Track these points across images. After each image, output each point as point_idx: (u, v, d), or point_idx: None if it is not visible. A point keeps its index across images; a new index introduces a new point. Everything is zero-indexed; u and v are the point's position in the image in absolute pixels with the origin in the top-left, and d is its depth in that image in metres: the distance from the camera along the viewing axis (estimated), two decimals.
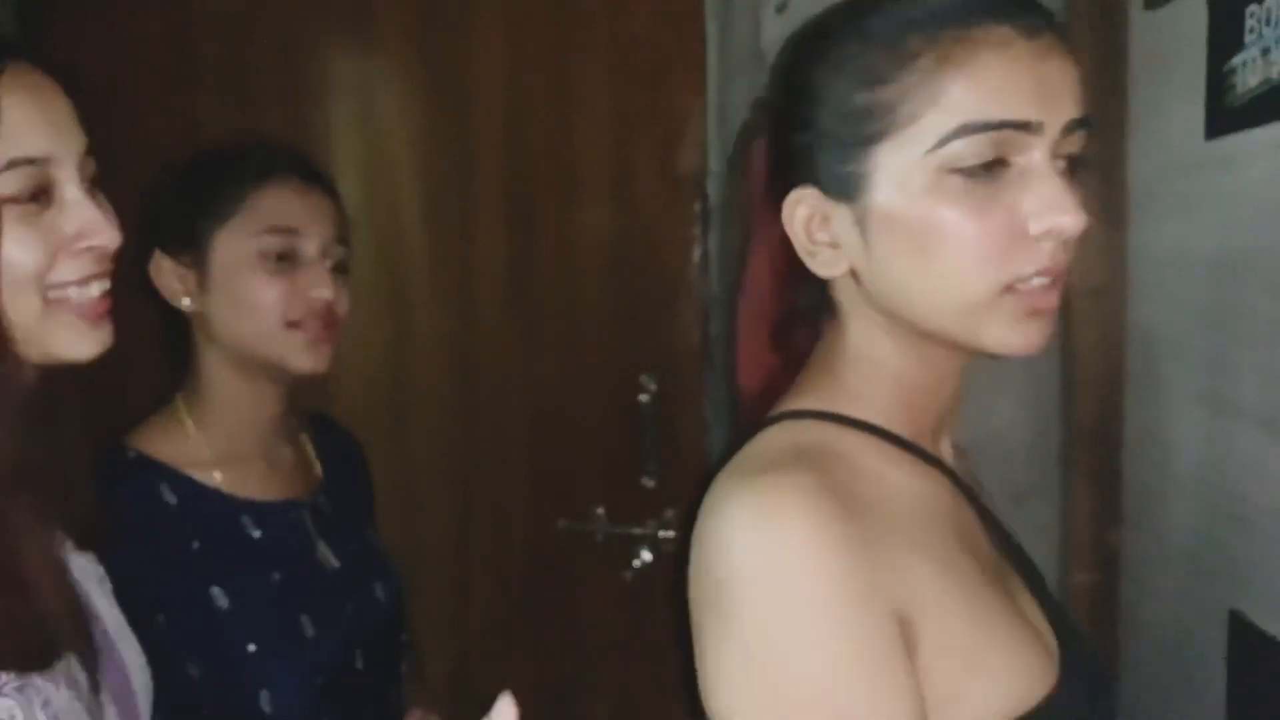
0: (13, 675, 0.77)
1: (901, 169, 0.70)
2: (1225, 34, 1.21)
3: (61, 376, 0.86)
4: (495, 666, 1.92)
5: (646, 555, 1.84)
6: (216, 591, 1.13)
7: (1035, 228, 0.69)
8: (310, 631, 1.16)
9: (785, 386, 0.83)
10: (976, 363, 0.84)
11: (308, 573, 1.22)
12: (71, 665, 0.83)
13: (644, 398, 1.83)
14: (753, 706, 0.66)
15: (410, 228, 1.93)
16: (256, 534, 1.19)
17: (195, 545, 1.14)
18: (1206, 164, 1.29)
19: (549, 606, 1.93)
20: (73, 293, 0.82)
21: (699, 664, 0.71)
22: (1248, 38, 1.16)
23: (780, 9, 1.70)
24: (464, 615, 1.93)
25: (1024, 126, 0.69)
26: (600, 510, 1.87)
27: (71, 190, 0.82)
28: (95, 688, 0.87)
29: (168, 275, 1.19)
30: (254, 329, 1.17)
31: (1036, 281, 0.71)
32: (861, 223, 0.73)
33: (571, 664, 1.93)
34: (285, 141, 1.29)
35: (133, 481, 1.15)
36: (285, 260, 1.18)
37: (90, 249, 0.83)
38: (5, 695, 0.77)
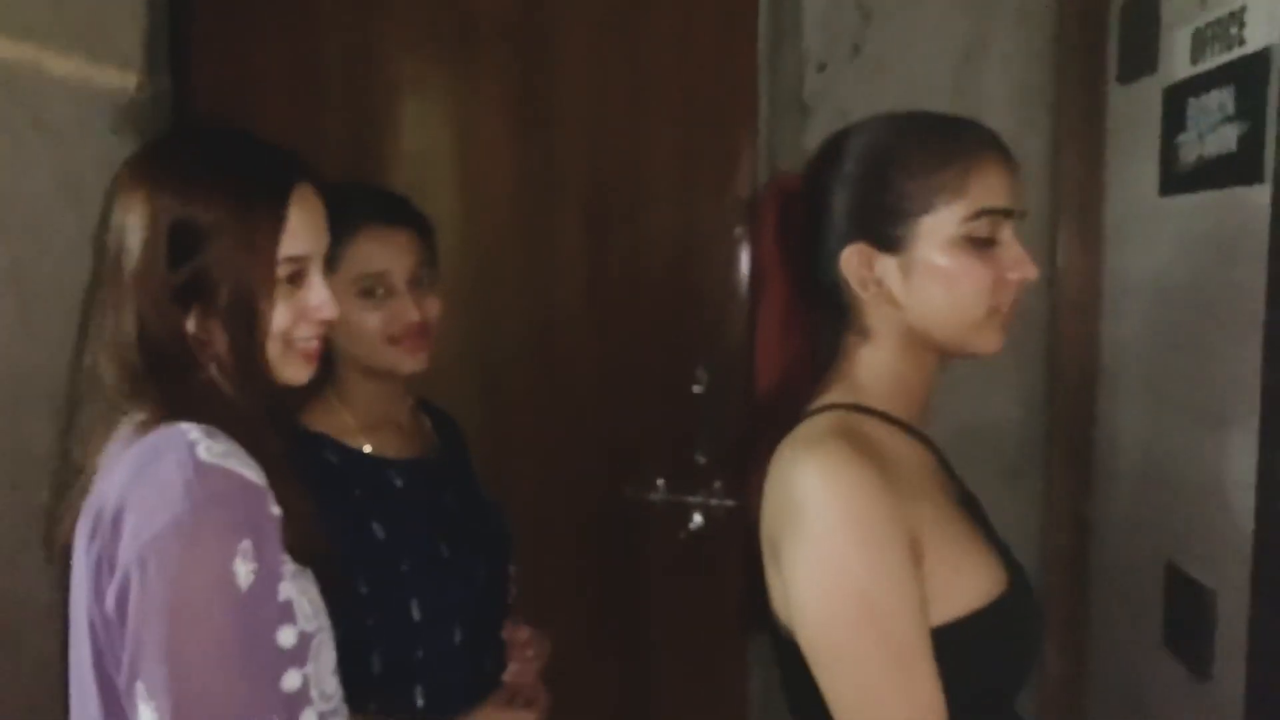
0: (290, 567, 0.99)
1: (939, 234, 1.01)
2: (1173, 116, 1.52)
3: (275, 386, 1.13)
4: (569, 607, 2.21)
5: (699, 519, 2.14)
6: (376, 527, 1.41)
7: (1012, 275, 1.03)
8: (446, 553, 1.45)
9: (794, 382, 1.14)
10: (978, 366, 1.17)
11: (440, 511, 1.49)
12: (310, 577, 1.06)
13: (697, 388, 2.12)
14: (821, 593, 0.97)
15: (501, 235, 2.20)
16: (399, 484, 1.47)
17: (356, 493, 1.42)
18: (1160, 216, 1.59)
19: (617, 560, 2.23)
20: (302, 344, 1.09)
21: (779, 570, 1.02)
22: (1188, 122, 1.48)
23: (820, 69, 2.03)
24: (544, 565, 2.14)
25: (1009, 213, 1.03)
26: (660, 481, 2.16)
27: (316, 277, 1.09)
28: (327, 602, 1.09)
29: None
30: (364, 348, 1.45)
31: (1006, 307, 1.04)
32: (905, 268, 1.04)
33: (635, 610, 2.23)
34: (374, 187, 1.55)
35: (305, 449, 1.41)
36: (379, 295, 1.43)
37: (320, 320, 1.10)
38: (286, 580, 0.98)
